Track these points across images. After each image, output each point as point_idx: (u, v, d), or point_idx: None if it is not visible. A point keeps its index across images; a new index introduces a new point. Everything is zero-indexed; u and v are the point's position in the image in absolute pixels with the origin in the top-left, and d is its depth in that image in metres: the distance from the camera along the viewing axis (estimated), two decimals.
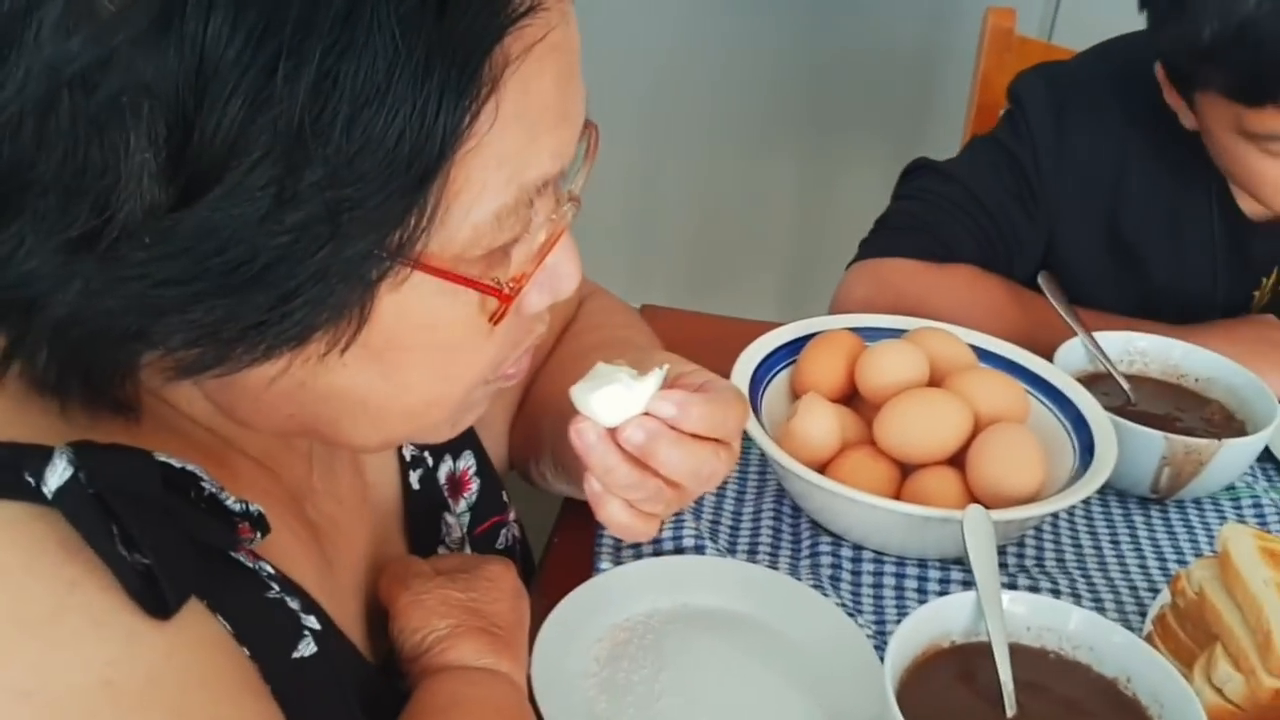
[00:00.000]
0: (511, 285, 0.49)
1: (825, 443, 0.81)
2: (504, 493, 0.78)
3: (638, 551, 0.78)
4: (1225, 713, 0.64)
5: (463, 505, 0.75)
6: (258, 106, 0.39)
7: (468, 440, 0.75)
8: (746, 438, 0.72)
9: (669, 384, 0.61)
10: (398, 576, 0.64)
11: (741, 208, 2.75)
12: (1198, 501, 0.91)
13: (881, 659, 0.62)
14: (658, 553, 0.78)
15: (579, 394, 0.59)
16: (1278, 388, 1.00)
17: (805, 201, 2.67)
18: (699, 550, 0.79)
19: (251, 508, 0.49)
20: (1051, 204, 1.12)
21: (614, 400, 0.59)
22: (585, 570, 0.76)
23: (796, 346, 0.91)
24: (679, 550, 0.78)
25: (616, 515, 0.62)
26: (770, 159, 2.70)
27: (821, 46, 2.56)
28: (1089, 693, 0.65)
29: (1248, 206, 1.09)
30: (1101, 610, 0.78)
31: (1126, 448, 0.85)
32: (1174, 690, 0.63)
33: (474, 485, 0.75)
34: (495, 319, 0.49)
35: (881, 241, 1.12)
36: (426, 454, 0.71)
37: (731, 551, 0.80)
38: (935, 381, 0.85)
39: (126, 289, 0.42)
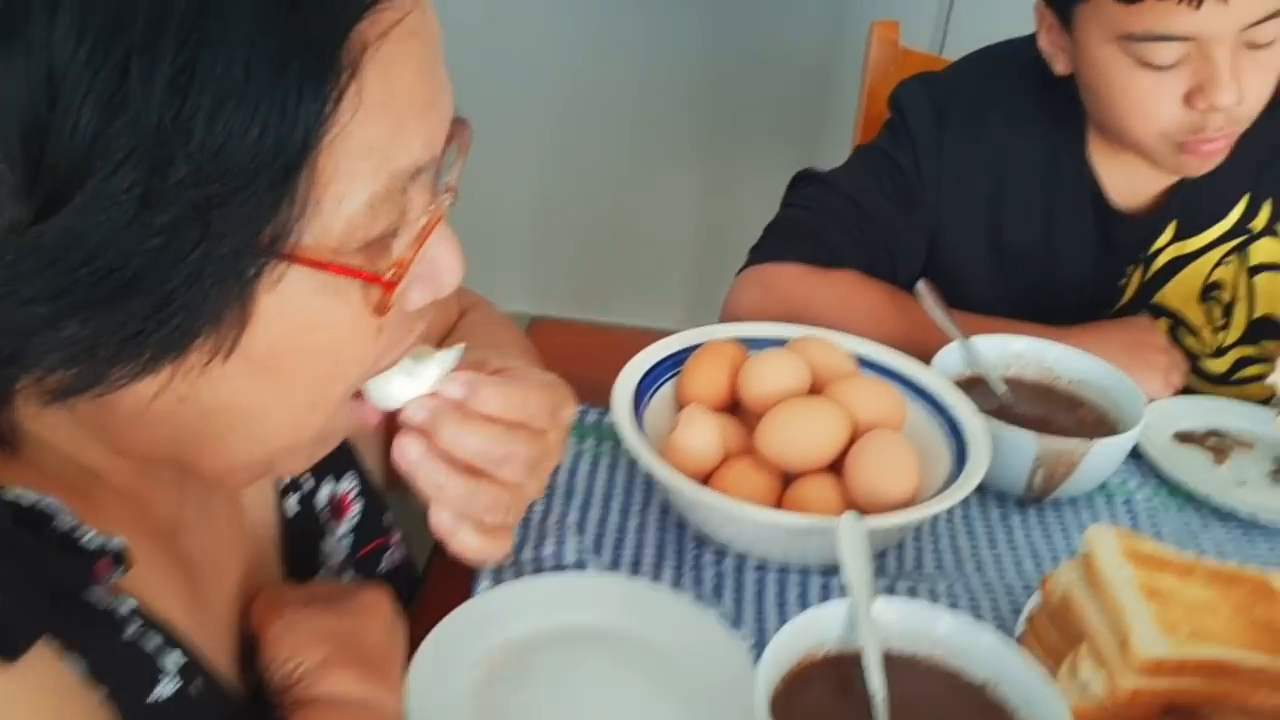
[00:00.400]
0: (393, 272, 0.48)
1: (707, 454, 0.82)
2: (387, 515, 0.77)
3: (518, 570, 0.77)
4: (1090, 712, 0.66)
5: (344, 528, 0.73)
6: (113, 108, 0.38)
7: (350, 461, 0.74)
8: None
9: (465, 368, 0.60)
10: (270, 605, 0.62)
11: (646, 217, 2.77)
12: (1073, 501, 0.93)
13: None
14: (539, 570, 0.78)
15: (370, 384, 0.56)
16: (1149, 387, 1.04)
17: (709, 209, 2.70)
18: (580, 566, 0.78)
19: (112, 543, 0.48)
20: (933, 208, 1.15)
21: (397, 384, 0.57)
22: (466, 591, 0.75)
23: (681, 358, 0.91)
24: (560, 567, 0.78)
25: (468, 541, 0.61)
26: (674, 168, 2.73)
27: (723, 58, 2.60)
28: (959, 699, 0.66)
29: (1115, 196, 1.12)
30: (978, 613, 0.80)
31: (1001, 450, 0.87)
32: (1040, 693, 0.64)
33: (356, 507, 0.74)
34: (380, 309, 0.48)
35: (768, 248, 1.13)
36: (305, 476, 0.70)
37: (615, 566, 0.80)
38: (816, 390, 0.86)
39: None
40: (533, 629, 0.72)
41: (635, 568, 0.80)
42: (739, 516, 0.76)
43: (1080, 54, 1.03)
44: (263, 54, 0.40)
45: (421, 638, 0.68)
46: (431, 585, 0.78)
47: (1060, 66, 1.07)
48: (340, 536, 0.73)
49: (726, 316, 1.10)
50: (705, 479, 0.81)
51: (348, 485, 0.73)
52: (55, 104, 0.38)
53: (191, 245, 0.41)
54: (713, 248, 2.69)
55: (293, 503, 0.69)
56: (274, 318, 0.45)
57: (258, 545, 0.67)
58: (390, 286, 0.48)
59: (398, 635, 0.65)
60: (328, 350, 0.49)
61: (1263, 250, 1.14)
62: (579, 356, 1.00)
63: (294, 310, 0.46)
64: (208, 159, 0.40)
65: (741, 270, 1.14)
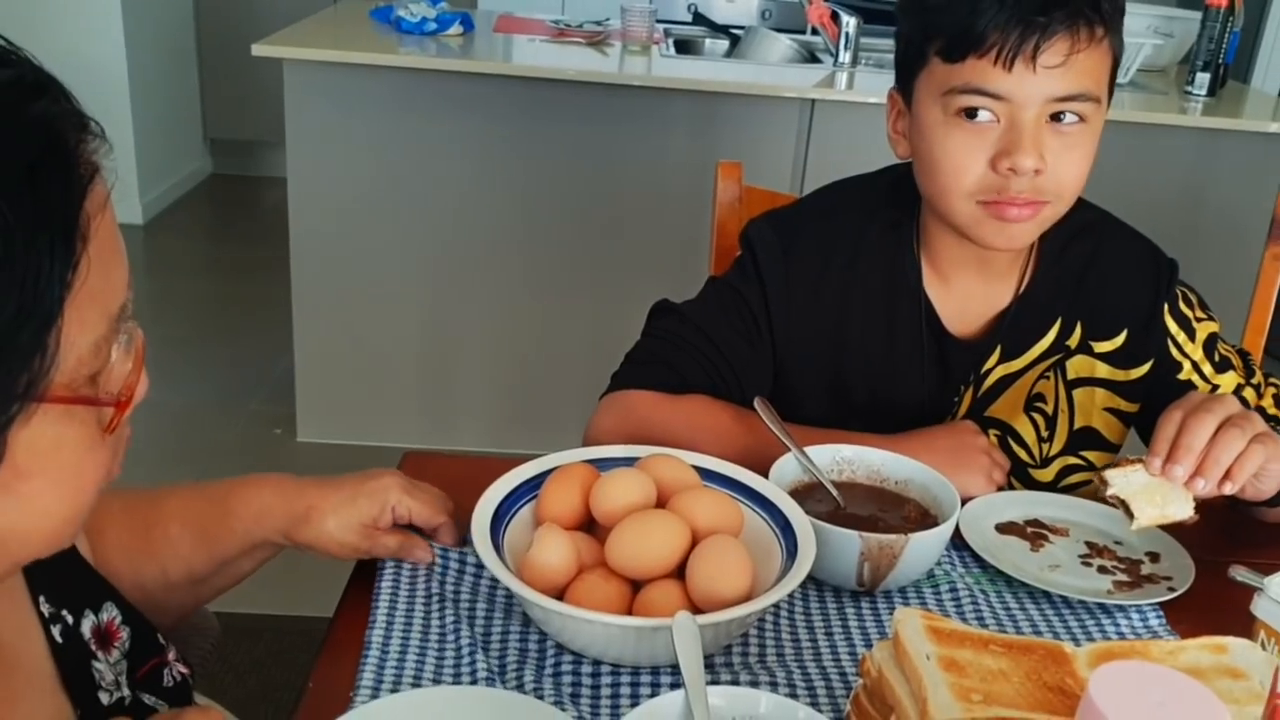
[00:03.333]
0: (124, 394, 0.57)
1: (561, 568, 0.89)
2: (159, 635, 0.83)
3: (395, 685, 0.84)
4: None
5: (116, 654, 0.79)
6: None
7: (104, 591, 0.80)
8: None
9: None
10: None
11: (539, 343, 2.88)
12: (902, 590, 1.02)
13: None
14: (416, 683, 0.84)
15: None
16: (973, 486, 1.15)
17: (596, 334, 2.81)
18: (453, 678, 0.85)
19: None
20: (778, 337, 1.25)
21: None
22: (345, 703, 0.81)
23: (538, 481, 0.99)
24: (435, 679, 0.84)
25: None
26: (561, 297, 2.84)
27: (600, 191, 2.75)
28: None
29: (948, 323, 1.24)
30: (814, 697, 0.87)
31: (830, 547, 0.96)
32: None
33: (124, 634, 0.80)
34: (112, 427, 0.57)
35: (626, 375, 1.23)
36: (65, 612, 0.75)
37: (477, 676, 0.86)
38: (661, 503, 0.95)
39: None
40: None
41: (501, 675, 0.87)
42: (589, 623, 0.83)
43: (915, 126, 1.15)
44: (15, 235, 0.48)
45: None
46: (313, 695, 0.84)
47: (901, 151, 1.19)
48: (114, 661, 0.78)
49: (588, 438, 1.18)
50: (560, 592, 0.88)
51: (109, 614, 0.79)
52: None
53: None
54: (604, 370, 2.79)
55: (57, 632, 0.74)
56: (26, 450, 0.53)
57: (32, 674, 0.72)
58: (124, 405, 0.57)
59: None
60: (69, 464, 0.56)
61: (1078, 366, 1.26)
62: (451, 486, 1.08)
63: (40, 439, 0.53)
64: None
65: (603, 395, 1.23)
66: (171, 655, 0.82)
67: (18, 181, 0.49)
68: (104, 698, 0.74)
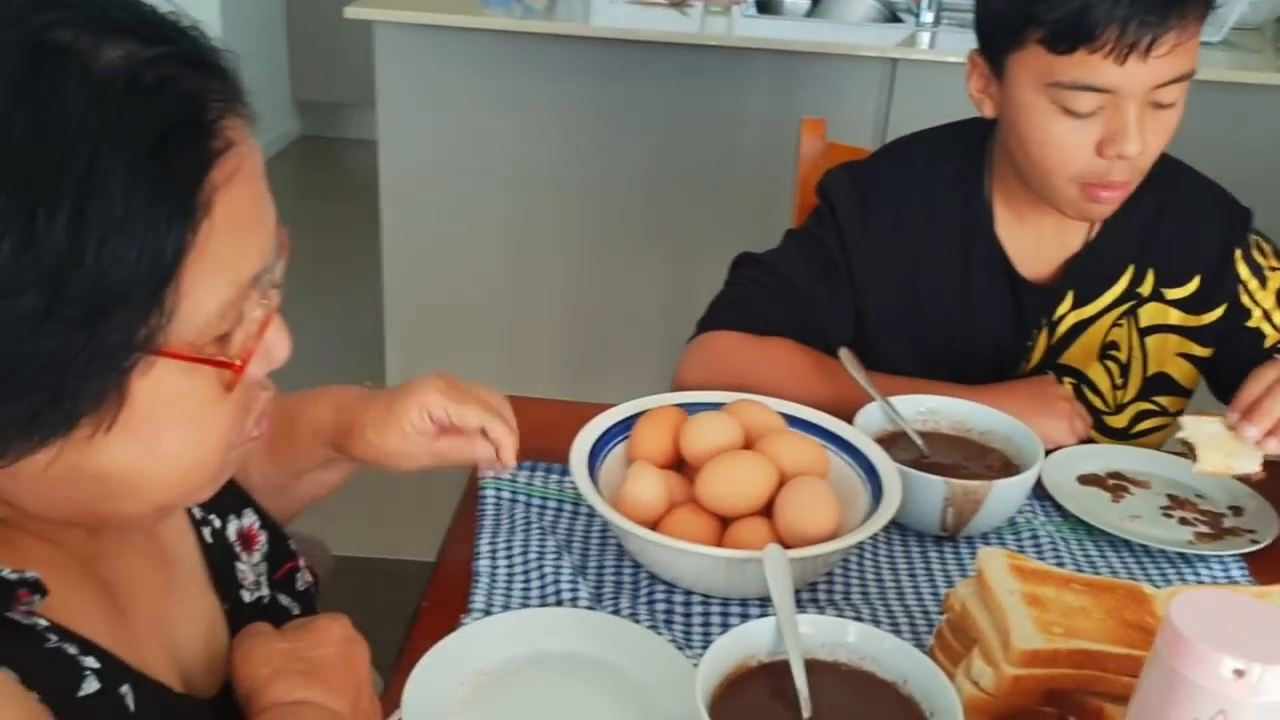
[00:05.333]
0: (242, 358, 0.61)
1: (654, 503, 0.93)
2: (291, 542, 0.89)
3: (506, 603, 0.90)
4: (981, 700, 0.77)
5: (257, 555, 0.84)
6: (23, 247, 0.50)
7: (244, 499, 0.85)
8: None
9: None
10: (239, 639, 0.75)
11: (618, 299, 2.93)
12: (984, 536, 1.05)
13: None
14: (524, 605, 0.90)
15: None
16: (1055, 435, 1.17)
17: (673, 289, 2.85)
18: (556, 603, 0.90)
19: (28, 575, 0.58)
20: (857, 282, 1.28)
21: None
22: (453, 624, 0.87)
23: (631, 423, 1.03)
24: (541, 603, 0.90)
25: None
26: (640, 255, 2.88)
27: (683, 153, 2.78)
28: (872, 694, 0.77)
29: (1021, 266, 1.26)
30: (897, 631, 0.91)
31: (915, 493, 0.99)
32: (938, 686, 0.75)
33: (262, 538, 0.85)
34: (230, 387, 0.61)
35: (712, 320, 1.27)
36: (212, 515, 0.81)
37: (579, 600, 0.91)
38: (748, 445, 0.98)
39: None
40: (511, 656, 0.83)
41: (597, 602, 0.91)
42: (682, 554, 0.88)
43: (1008, 100, 1.15)
44: (138, 200, 0.53)
45: (414, 664, 0.80)
46: (424, 617, 0.89)
47: (988, 111, 1.20)
48: (255, 562, 0.84)
49: (675, 381, 1.22)
50: (653, 526, 0.92)
51: (249, 519, 0.85)
52: None
53: (81, 347, 0.53)
54: (676, 326, 2.84)
55: (207, 534, 0.80)
56: (146, 397, 0.57)
57: (181, 567, 0.78)
58: (239, 369, 0.61)
59: (353, 650, 0.76)
60: (192, 416, 0.60)
61: (1150, 313, 1.27)
62: (548, 430, 1.13)
63: (162, 391, 0.58)
64: (96, 281, 0.52)
65: (690, 340, 1.27)
66: (302, 562, 0.88)
67: (145, 151, 0.53)
68: (246, 595, 0.80)
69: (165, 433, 0.59)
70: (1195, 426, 1.04)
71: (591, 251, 2.89)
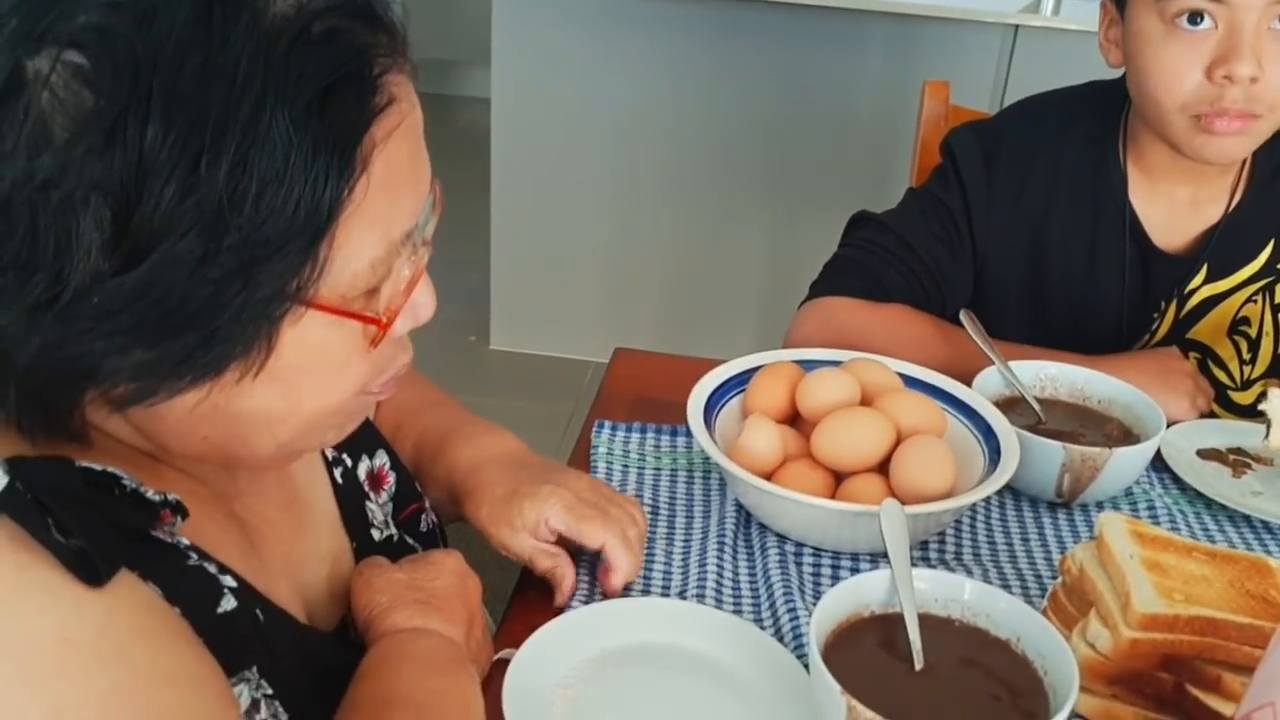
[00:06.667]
0: (388, 314, 0.62)
1: (769, 455, 0.94)
2: (416, 484, 0.91)
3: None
4: (1096, 663, 0.77)
5: (385, 496, 0.87)
6: (185, 192, 0.51)
7: (378, 441, 0.88)
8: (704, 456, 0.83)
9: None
10: (359, 569, 0.78)
11: (720, 259, 2.94)
12: (1100, 505, 1.04)
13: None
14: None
15: None
16: (1176, 409, 1.15)
17: (775, 251, 2.85)
18: (665, 552, 0.92)
19: (170, 497, 0.60)
20: (979, 245, 1.26)
21: None
22: (548, 611, 0.85)
23: (745, 378, 1.04)
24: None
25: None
26: (745, 214, 2.88)
27: (791, 113, 2.77)
28: (985, 651, 0.78)
29: (1154, 235, 1.23)
30: (1009, 591, 0.91)
31: (1032, 457, 0.98)
32: (1053, 645, 0.75)
33: (391, 478, 0.88)
34: (375, 342, 0.62)
35: (826, 283, 1.26)
36: (345, 455, 0.84)
37: (699, 555, 0.93)
38: (865, 403, 0.99)
39: (79, 340, 0.53)
40: (608, 647, 0.82)
41: (702, 556, 0.93)
42: (797, 505, 0.89)
43: (1128, 35, 1.14)
44: (299, 153, 0.53)
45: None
46: (518, 605, 0.88)
47: (1114, 59, 1.18)
48: (383, 502, 0.86)
49: (789, 343, 1.23)
50: (768, 478, 0.94)
51: (380, 460, 0.87)
52: (142, 189, 0.50)
53: (235, 293, 0.54)
54: (778, 286, 2.83)
55: (338, 474, 0.83)
56: (293, 346, 0.58)
57: (318, 510, 0.80)
58: (385, 326, 0.62)
59: (467, 584, 0.79)
60: (332, 367, 0.62)
61: None
62: (657, 381, 1.14)
63: (309, 341, 0.59)
64: (253, 229, 0.53)
65: (803, 304, 1.27)
66: (426, 504, 0.91)
67: (309, 103, 0.53)
68: (375, 534, 0.83)
69: (306, 379, 0.61)
70: None
71: (698, 214, 2.89)
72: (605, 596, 0.86)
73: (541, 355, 3.00)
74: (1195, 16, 1.07)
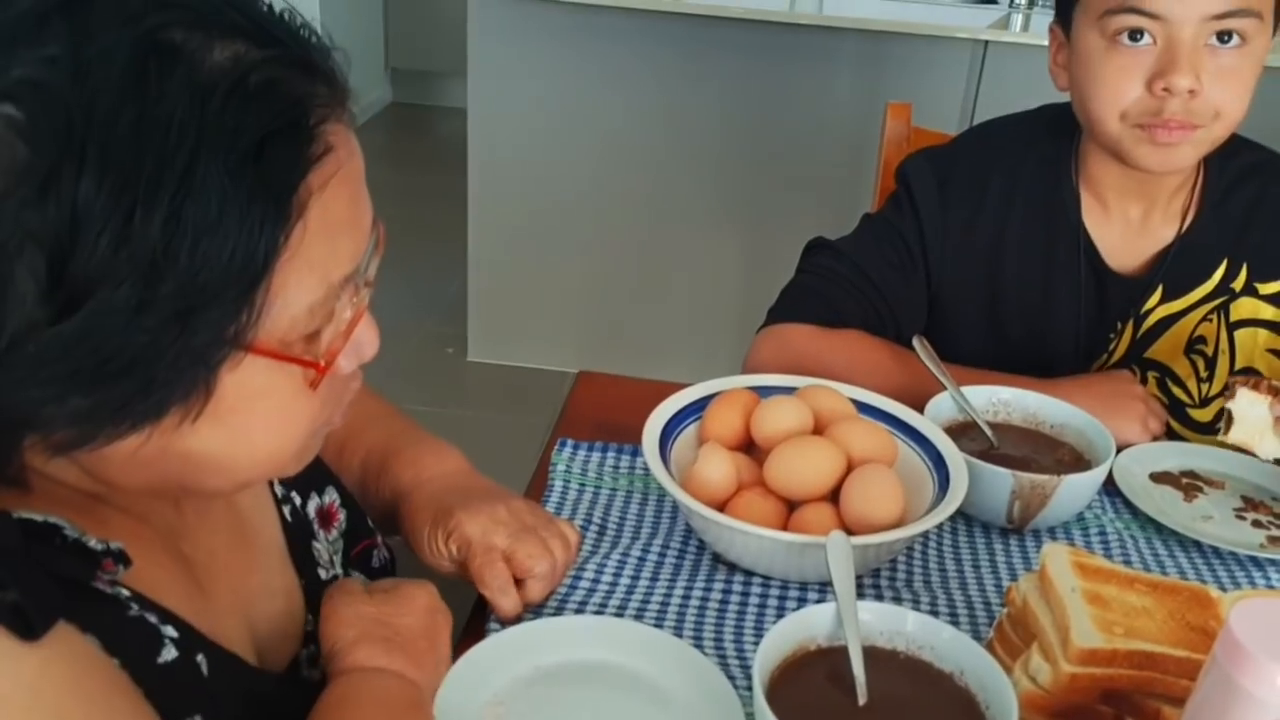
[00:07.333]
0: (327, 357, 0.63)
1: (722, 484, 0.95)
2: (369, 520, 0.91)
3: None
4: (1037, 696, 0.78)
5: (335, 533, 0.87)
6: (119, 242, 0.51)
7: (327, 478, 0.88)
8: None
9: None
10: (330, 595, 0.77)
11: (696, 271, 2.95)
12: (1051, 531, 1.05)
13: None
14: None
15: None
16: (1129, 433, 1.16)
17: (752, 263, 2.87)
18: (614, 576, 0.92)
19: (113, 546, 0.60)
20: (934, 271, 1.28)
21: None
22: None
23: (702, 404, 1.05)
24: (596, 575, 0.92)
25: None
26: (720, 227, 2.90)
27: (763, 136, 2.79)
28: (929, 684, 0.78)
29: (1108, 258, 1.25)
30: (956, 622, 0.92)
31: (982, 484, 0.99)
32: (995, 679, 0.76)
33: (341, 515, 0.88)
34: (314, 385, 0.63)
35: (783, 310, 1.27)
36: (293, 493, 0.84)
37: (650, 579, 0.93)
38: (818, 431, 0.99)
39: (15, 388, 0.53)
40: (544, 664, 0.82)
41: (654, 580, 0.93)
42: (746, 535, 0.89)
43: (1073, 55, 1.16)
44: (234, 201, 0.54)
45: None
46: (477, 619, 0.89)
47: (1061, 82, 1.21)
48: (333, 539, 0.87)
49: (747, 369, 1.24)
50: (721, 506, 0.94)
51: (330, 497, 0.88)
52: (76, 239, 0.51)
53: (172, 340, 0.54)
54: (756, 299, 2.85)
55: (287, 512, 0.83)
56: (235, 390, 0.59)
57: (266, 546, 0.81)
58: (324, 370, 0.62)
59: (436, 621, 0.78)
60: (276, 410, 0.62)
61: (1242, 308, 1.25)
62: (620, 405, 1.15)
63: (250, 384, 0.60)
64: (189, 278, 0.53)
65: (760, 330, 1.28)
66: (379, 539, 0.91)
67: (244, 153, 0.54)
68: (322, 573, 0.83)
69: (251, 423, 0.61)
70: (1246, 401, 1.04)
71: (672, 228, 2.91)
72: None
73: (519, 367, 3.01)
74: (1135, 34, 1.10)
